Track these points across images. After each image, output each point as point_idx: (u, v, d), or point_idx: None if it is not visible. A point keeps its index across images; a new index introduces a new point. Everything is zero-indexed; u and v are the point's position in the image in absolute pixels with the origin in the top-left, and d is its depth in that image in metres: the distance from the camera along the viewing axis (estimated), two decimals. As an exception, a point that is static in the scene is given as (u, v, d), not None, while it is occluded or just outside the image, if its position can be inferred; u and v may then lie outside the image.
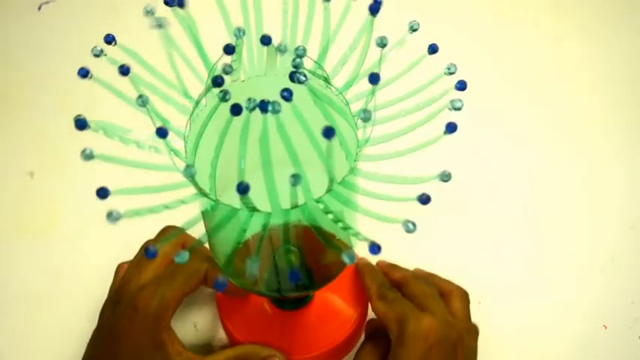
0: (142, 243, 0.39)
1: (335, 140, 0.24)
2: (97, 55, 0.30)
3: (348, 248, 0.32)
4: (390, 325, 0.37)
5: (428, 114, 0.30)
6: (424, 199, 0.26)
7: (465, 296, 0.41)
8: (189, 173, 0.25)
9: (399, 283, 0.41)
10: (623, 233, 0.50)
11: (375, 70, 0.28)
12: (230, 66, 0.27)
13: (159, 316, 0.36)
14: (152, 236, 0.39)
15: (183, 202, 0.27)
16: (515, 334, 0.46)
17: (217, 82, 0.26)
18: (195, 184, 0.27)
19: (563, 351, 0.45)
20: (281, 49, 0.29)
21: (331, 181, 0.27)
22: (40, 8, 0.65)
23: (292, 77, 0.25)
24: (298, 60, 0.27)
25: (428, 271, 0.43)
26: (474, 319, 0.44)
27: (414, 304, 0.38)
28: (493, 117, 0.56)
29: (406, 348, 0.35)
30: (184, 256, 0.25)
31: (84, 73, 0.30)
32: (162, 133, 0.26)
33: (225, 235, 0.30)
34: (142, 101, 0.28)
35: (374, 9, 0.29)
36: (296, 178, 0.24)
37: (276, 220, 0.28)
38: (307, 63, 0.29)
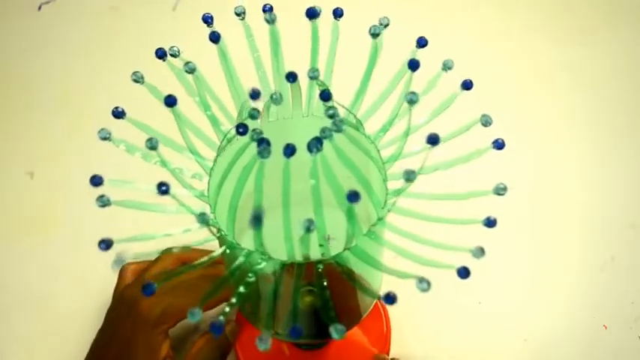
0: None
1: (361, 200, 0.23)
2: (136, 81, 0.29)
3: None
4: None
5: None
6: (462, 272, 0.26)
7: None
8: (203, 220, 0.24)
9: None
10: (623, 233, 0.50)
11: (405, 124, 0.28)
12: (256, 110, 0.26)
13: (159, 322, 0.35)
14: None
15: (201, 242, 0.27)
16: (515, 334, 0.46)
17: (240, 131, 0.25)
18: (211, 230, 0.27)
19: (564, 351, 0.45)
20: (275, 100, 0.28)
21: (353, 236, 0.26)
22: (40, 8, 0.65)
23: (324, 134, 0.24)
24: (331, 111, 0.25)
25: None
26: (474, 319, 0.44)
27: None
28: (494, 116, 0.55)
29: None
30: (197, 316, 0.24)
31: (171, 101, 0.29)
32: (164, 189, 0.25)
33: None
34: (152, 144, 0.27)
35: (413, 65, 0.28)
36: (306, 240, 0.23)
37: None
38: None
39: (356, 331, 0.42)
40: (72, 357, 0.45)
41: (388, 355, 0.43)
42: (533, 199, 0.52)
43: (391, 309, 0.45)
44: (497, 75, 0.60)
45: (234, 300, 0.27)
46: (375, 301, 0.35)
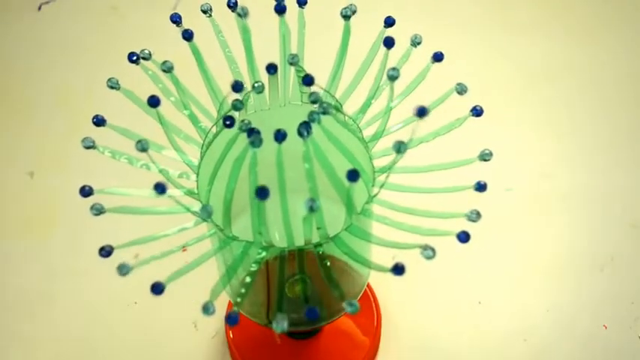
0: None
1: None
2: (112, 87, 0.29)
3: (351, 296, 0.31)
4: None
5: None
6: (462, 237, 0.26)
7: None
8: (206, 213, 0.24)
9: None
10: (623, 233, 0.50)
11: (386, 101, 0.29)
12: (240, 101, 0.27)
13: None
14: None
15: (199, 239, 0.28)
16: (515, 333, 0.46)
17: (227, 123, 0.25)
18: (214, 224, 0.27)
19: (563, 351, 0.45)
20: (257, 89, 0.28)
21: (350, 215, 0.27)
22: (40, 8, 0.65)
23: (312, 118, 0.24)
24: (315, 95, 0.26)
25: None
26: (474, 318, 0.44)
27: None
28: (495, 116, 0.55)
29: None
30: (210, 309, 0.25)
31: (154, 102, 0.28)
32: (161, 189, 0.25)
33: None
34: (142, 146, 0.26)
35: (388, 43, 0.29)
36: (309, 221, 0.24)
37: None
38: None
39: (346, 321, 0.42)
40: (71, 356, 0.45)
41: (378, 346, 0.43)
42: (533, 198, 0.52)
43: (389, 309, 0.45)
44: (498, 72, 0.60)
45: (243, 290, 0.27)
46: (364, 288, 0.35)
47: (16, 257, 0.49)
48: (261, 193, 0.23)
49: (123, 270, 0.26)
